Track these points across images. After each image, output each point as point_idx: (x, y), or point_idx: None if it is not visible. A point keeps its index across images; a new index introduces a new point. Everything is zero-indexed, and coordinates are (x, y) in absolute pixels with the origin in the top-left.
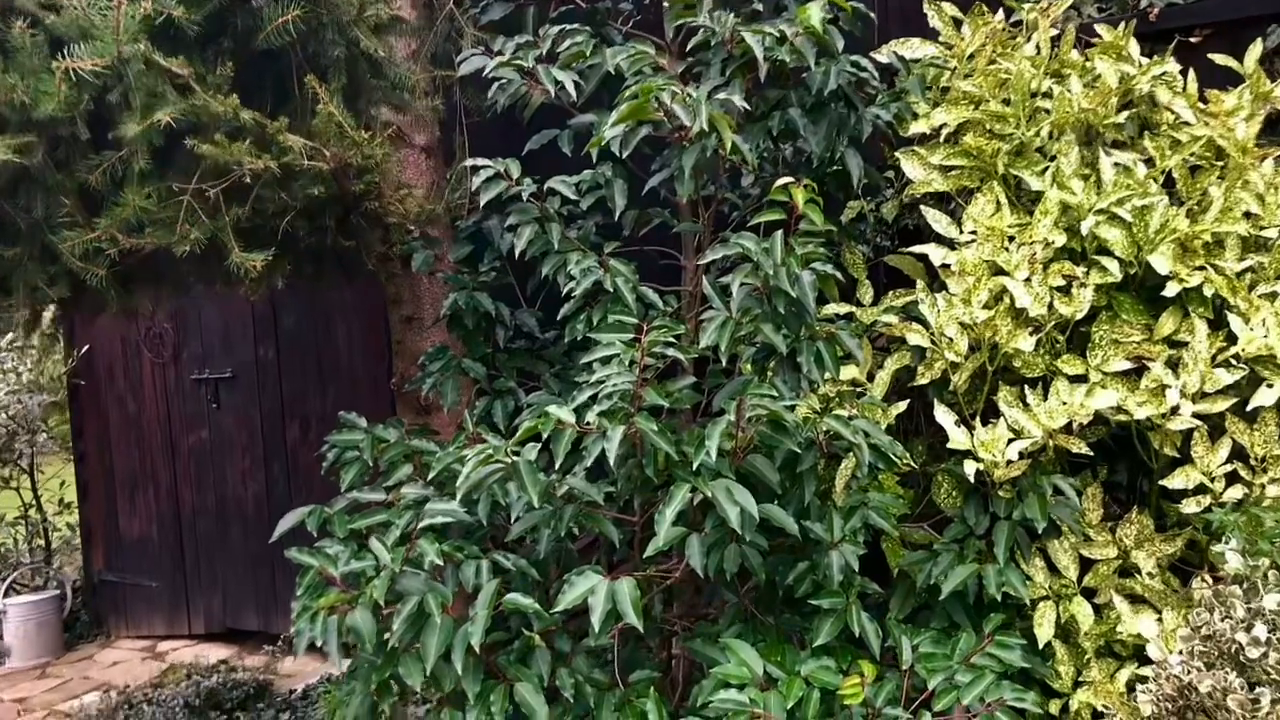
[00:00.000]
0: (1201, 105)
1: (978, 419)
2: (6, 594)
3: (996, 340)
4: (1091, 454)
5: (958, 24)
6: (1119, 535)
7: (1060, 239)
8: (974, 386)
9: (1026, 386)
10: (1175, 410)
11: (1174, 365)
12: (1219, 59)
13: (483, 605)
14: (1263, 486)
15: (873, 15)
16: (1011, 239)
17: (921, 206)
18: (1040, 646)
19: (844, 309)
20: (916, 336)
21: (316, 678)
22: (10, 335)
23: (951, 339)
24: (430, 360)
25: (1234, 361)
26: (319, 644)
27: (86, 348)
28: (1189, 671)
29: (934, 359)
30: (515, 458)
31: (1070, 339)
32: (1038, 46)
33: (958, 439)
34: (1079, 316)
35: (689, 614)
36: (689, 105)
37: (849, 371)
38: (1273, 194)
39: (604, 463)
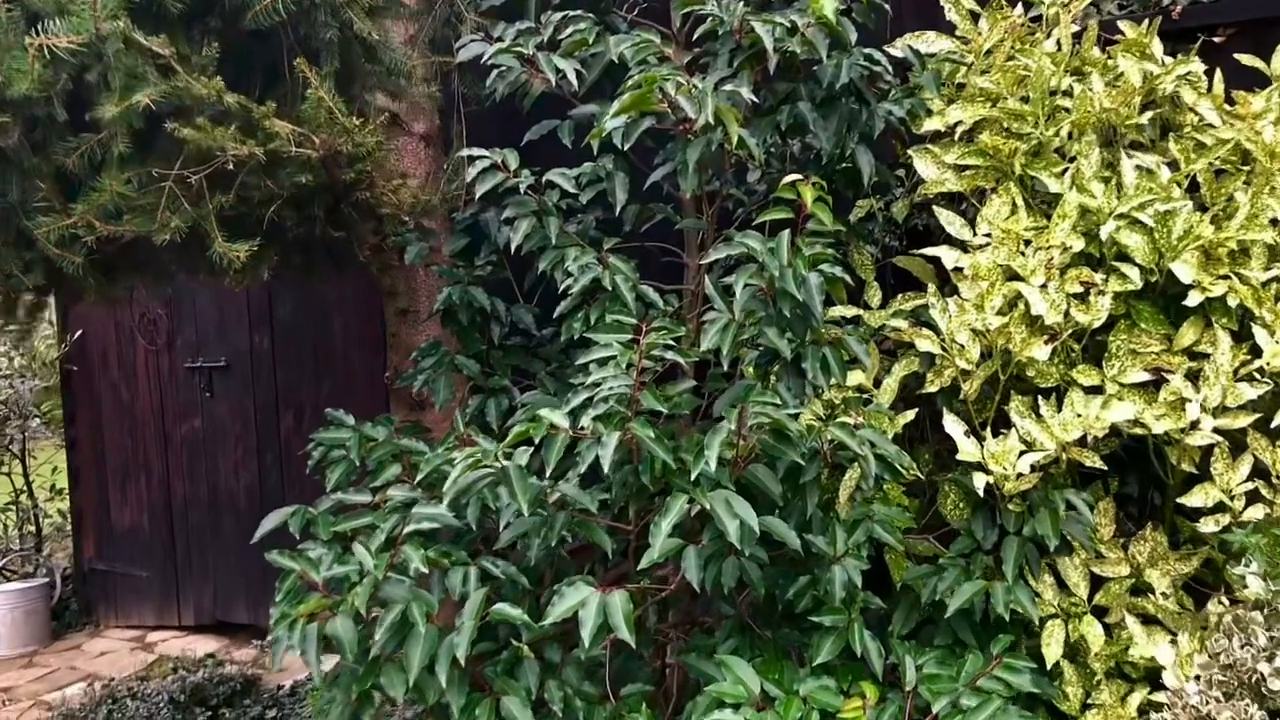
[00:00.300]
0: (1228, 107)
1: (988, 429)
2: None
3: (1010, 348)
4: (1105, 467)
5: (975, 18)
6: (1132, 552)
7: (1078, 244)
8: (985, 395)
9: (1040, 397)
10: (1195, 425)
11: (1194, 378)
12: (1245, 59)
13: (469, 615)
14: None
15: (887, 7)
16: (1028, 243)
17: (934, 207)
18: (1048, 666)
19: (851, 312)
20: (926, 342)
21: (305, 674)
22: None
23: (963, 346)
24: (423, 356)
25: (1258, 375)
26: (298, 652)
27: (80, 332)
28: (1206, 702)
29: (944, 366)
30: (506, 462)
31: (1086, 348)
32: (1058, 43)
33: (967, 450)
34: (1096, 325)
35: (684, 622)
36: (694, 97)
37: (855, 377)
38: None
39: (598, 469)
